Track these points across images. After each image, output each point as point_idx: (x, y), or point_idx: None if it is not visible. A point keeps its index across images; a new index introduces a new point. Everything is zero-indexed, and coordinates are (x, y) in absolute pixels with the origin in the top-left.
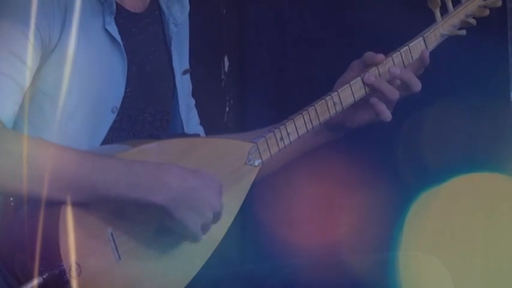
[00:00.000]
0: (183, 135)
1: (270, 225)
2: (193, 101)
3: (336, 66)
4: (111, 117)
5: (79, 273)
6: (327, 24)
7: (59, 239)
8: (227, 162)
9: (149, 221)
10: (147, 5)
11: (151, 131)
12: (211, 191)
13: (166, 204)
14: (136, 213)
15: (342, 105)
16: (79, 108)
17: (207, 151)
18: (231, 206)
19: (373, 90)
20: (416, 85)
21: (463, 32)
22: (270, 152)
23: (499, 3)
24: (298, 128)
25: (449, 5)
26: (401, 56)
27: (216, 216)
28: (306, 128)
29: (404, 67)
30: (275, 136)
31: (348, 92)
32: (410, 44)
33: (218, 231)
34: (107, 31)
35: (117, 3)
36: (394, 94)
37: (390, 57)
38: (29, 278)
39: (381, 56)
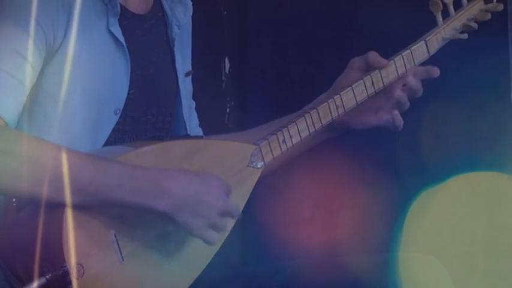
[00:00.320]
0: (186, 136)
1: (270, 226)
2: (193, 103)
3: (336, 68)
4: (114, 119)
5: (82, 274)
6: (327, 26)
7: (62, 239)
8: (230, 164)
9: (152, 223)
10: (151, 6)
11: (154, 132)
12: (214, 192)
13: (168, 210)
14: (139, 216)
15: (344, 108)
16: (82, 109)
17: (210, 153)
18: None
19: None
20: (420, 91)
21: (465, 36)
22: (273, 155)
23: (500, 8)
24: (300, 130)
25: (451, 8)
26: (403, 60)
27: (228, 214)
28: (309, 130)
29: (406, 70)
30: (277, 139)
31: (350, 95)
32: (412, 48)
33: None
34: (110, 32)
35: (121, 4)
36: (407, 105)
37: (392, 61)
38: (32, 279)
39: (385, 61)
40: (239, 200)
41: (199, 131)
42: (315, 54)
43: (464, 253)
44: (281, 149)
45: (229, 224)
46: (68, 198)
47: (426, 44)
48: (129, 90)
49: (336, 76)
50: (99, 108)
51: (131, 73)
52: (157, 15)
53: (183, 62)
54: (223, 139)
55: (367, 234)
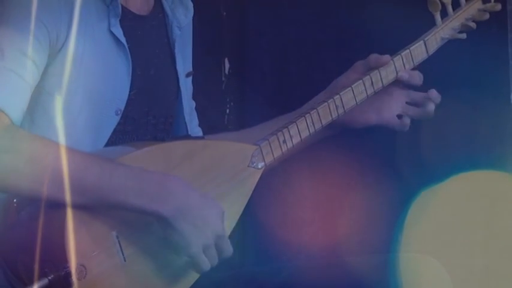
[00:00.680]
0: (187, 137)
1: (270, 227)
2: (193, 104)
3: (336, 68)
4: (115, 120)
5: (84, 275)
6: (328, 26)
7: (64, 240)
8: (231, 164)
9: (154, 225)
10: (152, 7)
11: (155, 133)
12: (213, 214)
13: (170, 215)
14: (142, 217)
15: (344, 108)
16: (83, 110)
17: (211, 153)
18: (235, 208)
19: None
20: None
21: (463, 36)
22: (273, 155)
23: (499, 7)
24: (300, 130)
25: (449, 8)
26: (403, 60)
27: (220, 243)
28: (309, 130)
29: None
30: (278, 139)
31: (350, 95)
32: (411, 48)
33: None
34: (112, 33)
35: (122, 5)
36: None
37: (391, 61)
38: (34, 280)
39: (386, 57)
40: (239, 200)
41: (199, 131)
42: (315, 55)
43: (463, 254)
44: (281, 149)
45: (217, 255)
46: (73, 199)
47: (425, 44)
48: (130, 91)
49: (336, 77)
50: (101, 109)
51: (132, 74)
52: (158, 16)
53: (184, 62)
54: (223, 139)
55: (367, 235)
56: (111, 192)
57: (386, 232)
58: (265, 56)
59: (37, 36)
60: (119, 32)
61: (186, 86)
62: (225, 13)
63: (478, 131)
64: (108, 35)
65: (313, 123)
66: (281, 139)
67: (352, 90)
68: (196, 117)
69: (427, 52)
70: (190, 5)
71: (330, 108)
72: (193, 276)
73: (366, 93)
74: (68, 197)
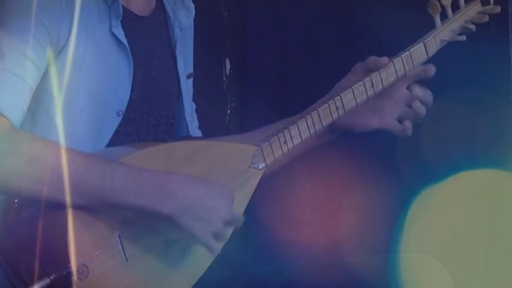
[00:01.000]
0: (188, 137)
1: (272, 227)
2: (194, 105)
3: (337, 69)
4: (116, 121)
5: (86, 275)
6: (329, 27)
7: (66, 240)
8: (232, 165)
9: (156, 225)
10: (153, 8)
11: (156, 134)
12: (220, 200)
13: (173, 214)
14: (143, 217)
15: (344, 109)
16: (84, 111)
17: (212, 154)
18: (236, 208)
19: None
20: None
21: (463, 38)
22: (274, 156)
23: (498, 10)
24: (301, 131)
25: (449, 10)
26: (403, 61)
27: (231, 223)
28: (309, 131)
29: (405, 72)
30: (279, 140)
31: (350, 97)
32: (411, 49)
33: None
34: (113, 34)
35: (123, 6)
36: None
37: (391, 62)
38: (36, 280)
39: (384, 59)
40: (241, 201)
41: (198, 133)
42: (316, 56)
43: (464, 254)
44: (282, 150)
45: (229, 233)
46: (74, 200)
47: (425, 46)
48: (131, 92)
49: (337, 78)
50: (102, 110)
51: (133, 75)
52: (160, 17)
53: (185, 64)
54: (224, 140)
55: (367, 235)
56: (112, 193)
57: (386, 232)
58: (266, 56)
59: (37, 37)
60: (120, 33)
61: (187, 87)
62: (226, 13)
63: (479, 132)
64: (110, 36)
65: (313, 124)
66: (282, 140)
67: (353, 92)
68: (196, 119)
69: (427, 54)
70: (192, 6)
71: (330, 109)
72: (195, 276)
73: (366, 94)
74: (70, 198)
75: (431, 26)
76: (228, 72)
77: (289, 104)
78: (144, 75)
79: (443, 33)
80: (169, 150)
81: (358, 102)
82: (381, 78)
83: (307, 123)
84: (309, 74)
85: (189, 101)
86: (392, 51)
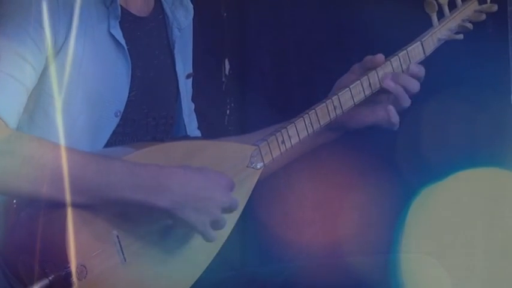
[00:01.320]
0: (186, 137)
1: (271, 227)
2: (192, 105)
3: (336, 70)
4: (114, 121)
5: (85, 275)
6: (328, 28)
7: (65, 241)
8: (229, 165)
9: (154, 223)
10: (152, 9)
11: (155, 135)
12: (217, 188)
13: (169, 207)
14: (141, 216)
15: (341, 108)
16: (82, 111)
17: (210, 154)
18: None
19: (372, 93)
20: (416, 87)
21: (460, 37)
22: (272, 155)
23: (495, 8)
24: (299, 131)
25: (446, 9)
26: (400, 60)
27: (228, 209)
28: (307, 131)
29: (403, 71)
30: (277, 139)
31: (348, 96)
32: (408, 48)
33: (221, 234)
34: (111, 35)
35: (122, 7)
36: (407, 101)
37: (389, 61)
38: (34, 280)
39: (379, 57)
40: (239, 200)
41: (198, 134)
42: (315, 56)
43: (464, 254)
44: (280, 149)
45: (226, 219)
46: (70, 197)
47: (422, 45)
48: (129, 93)
49: (336, 78)
50: (100, 110)
51: (132, 75)
52: (158, 18)
53: (184, 64)
54: (222, 140)
55: (367, 235)
56: (108, 189)
57: (386, 232)
58: (265, 57)
59: (34, 38)
60: (118, 34)
61: (186, 88)
62: (225, 14)
63: (478, 132)
64: (108, 36)
65: (311, 124)
66: (280, 139)
67: (350, 91)
68: (196, 120)
69: (424, 53)
70: (191, 6)
71: (328, 109)
72: (194, 276)
73: (364, 93)
74: (66, 196)
75: (429, 24)
76: (227, 72)
77: (289, 104)
78: (142, 76)
79: (440, 31)
80: (167, 150)
81: (355, 101)
82: (378, 77)
83: (305, 123)
84: (308, 75)
85: (187, 101)
86: (390, 50)
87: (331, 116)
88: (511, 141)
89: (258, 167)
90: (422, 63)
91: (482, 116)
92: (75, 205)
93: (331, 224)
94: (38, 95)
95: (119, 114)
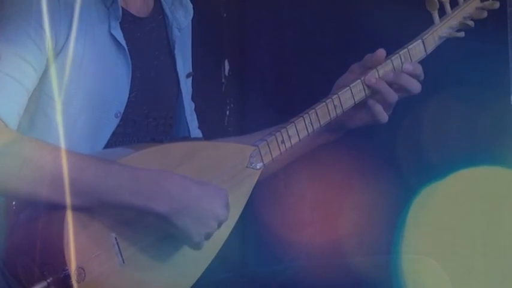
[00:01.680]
0: (186, 138)
1: (271, 228)
2: (192, 105)
3: (336, 70)
4: (114, 122)
5: (83, 278)
6: (327, 28)
7: (63, 243)
8: (229, 165)
9: (153, 226)
10: (151, 9)
11: (155, 135)
12: (216, 201)
13: (167, 213)
14: (140, 218)
15: (342, 108)
16: (83, 112)
17: (209, 155)
18: (233, 209)
19: (373, 92)
20: (417, 87)
21: (462, 34)
22: (272, 155)
23: (497, 5)
24: (299, 130)
25: (447, 7)
26: (401, 59)
27: (221, 225)
28: (307, 130)
29: (403, 70)
30: (276, 139)
31: (348, 95)
32: (410, 47)
33: (220, 235)
34: (112, 36)
35: (122, 8)
36: (393, 96)
37: (390, 60)
38: (33, 282)
39: (380, 51)
40: (238, 201)
41: (198, 133)
42: (315, 57)
43: (463, 255)
44: (280, 149)
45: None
46: (69, 200)
47: (423, 43)
48: (130, 93)
49: (336, 79)
50: (100, 111)
51: (132, 76)
52: (158, 18)
53: (184, 64)
54: (222, 141)
55: (366, 236)
56: (107, 192)
57: (385, 233)
58: (265, 57)
59: (34, 39)
60: (119, 35)
61: (187, 87)
62: (225, 15)
63: (478, 133)
64: (108, 37)
65: (311, 123)
66: (279, 139)
67: (350, 90)
68: (196, 119)
69: (425, 51)
70: (190, 6)
71: (328, 108)
72: (193, 277)
73: (364, 92)
74: (64, 199)
75: (430, 22)
76: (227, 73)
77: (288, 105)
78: (143, 77)
79: (441, 29)
80: (167, 151)
81: (356, 100)
82: (378, 75)
83: (305, 122)
84: (307, 76)
85: (188, 100)
86: (391, 48)
87: (331, 116)
88: (511, 142)
89: (258, 167)
90: (422, 63)
91: (482, 116)
92: (73, 207)
93: (330, 224)
94: (38, 96)
95: (119, 115)
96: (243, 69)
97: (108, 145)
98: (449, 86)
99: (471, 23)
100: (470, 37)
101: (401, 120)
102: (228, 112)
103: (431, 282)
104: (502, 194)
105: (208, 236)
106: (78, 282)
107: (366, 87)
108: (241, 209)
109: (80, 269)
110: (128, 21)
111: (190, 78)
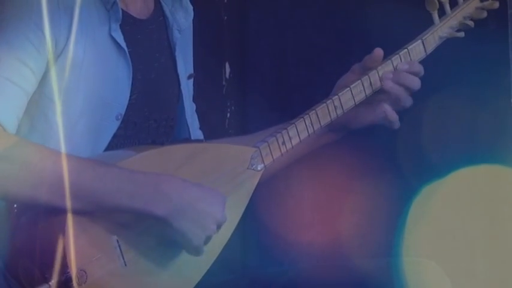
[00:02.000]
0: (187, 140)
1: (272, 230)
2: (194, 106)
3: (336, 72)
4: (115, 124)
5: (85, 280)
6: (328, 30)
7: (65, 245)
8: (230, 167)
9: (153, 229)
10: (152, 11)
11: (156, 137)
12: (214, 204)
13: (166, 216)
14: (141, 221)
15: (342, 108)
16: (83, 115)
17: (210, 156)
18: (234, 210)
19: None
20: (417, 83)
21: (462, 34)
22: (273, 157)
23: (496, 5)
24: (299, 131)
25: (447, 7)
26: (401, 59)
27: (219, 228)
28: (308, 131)
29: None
30: (277, 140)
31: (349, 96)
32: (409, 47)
33: (222, 237)
34: (112, 38)
35: (122, 10)
36: (409, 101)
37: (390, 60)
38: (35, 285)
39: (377, 51)
40: (239, 203)
41: (200, 134)
42: (316, 59)
43: (464, 257)
44: (281, 150)
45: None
46: (68, 203)
47: (423, 43)
48: (130, 95)
49: (336, 81)
50: (101, 114)
51: (133, 78)
52: (158, 20)
53: (185, 65)
54: (223, 142)
55: (367, 238)
56: (106, 195)
57: (386, 236)
58: (265, 60)
59: (34, 42)
60: (119, 37)
61: (188, 89)
62: (225, 17)
63: (479, 134)
64: (109, 39)
65: (312, 124)
66: (280, 141)
67: (351, 91)
68: (197, 120)
69: (425, 51)
70: (190, 8)
71: (328, 109)
72: (195, 280)
73: (365, 93)
74: (63, 202)
75: (430, 22)
76: (227, 75)
77: (289, 107)
78: (143, 79)
79: (441, 29)
80: (167, 153)
81: (356, 101)
82: (378, 76)
83: (306, 123)
84: (308, 78)
85: (189, 102)
86: (391, 48)
87: (332, 116)
88: (511, 142)
89: (259, 168)
90: (423, 63)
91: (483, 117)
92: (73, 210)
93: (331, 226)
94: (38, 98)
95: (120, 117)
96: (243, 71)
97: (109, 147)
98: (450, 87)
99: (471, 23)
100: (471, 38)
101: (402, 121)
102: (228, 115)
103: (432, 284)
104: (503, 195)
105: (207, 240)
106: (80, 284)
107: (366, 88)
108: (242, 211)
109: (82, 271)
110: (128, 23)
111: (192, 80)
